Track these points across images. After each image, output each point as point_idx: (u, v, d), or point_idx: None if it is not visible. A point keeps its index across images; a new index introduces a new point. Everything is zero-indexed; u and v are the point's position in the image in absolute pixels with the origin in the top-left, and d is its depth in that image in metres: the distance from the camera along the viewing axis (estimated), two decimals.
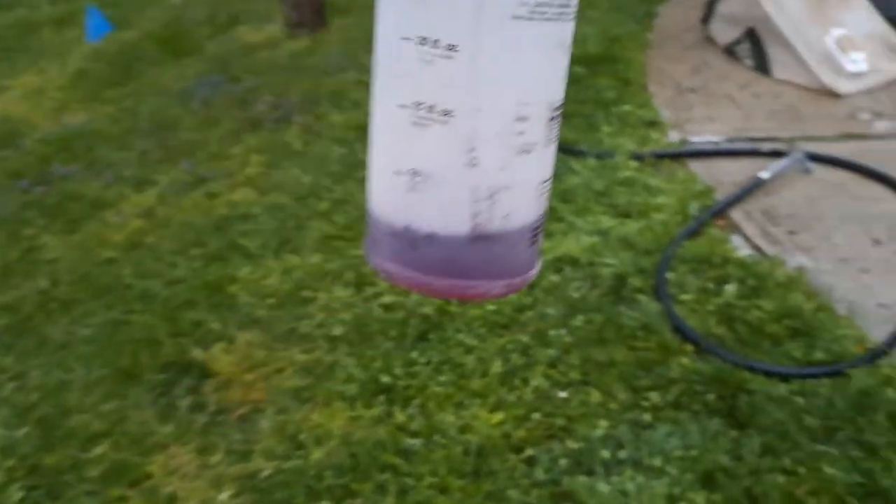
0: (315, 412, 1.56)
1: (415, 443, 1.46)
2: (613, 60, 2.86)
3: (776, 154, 2.22)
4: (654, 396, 1.51)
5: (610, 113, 2.54)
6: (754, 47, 2.78)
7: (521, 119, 0.38)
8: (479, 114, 0.37)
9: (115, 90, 3.45)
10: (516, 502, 1.34)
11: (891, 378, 1.47)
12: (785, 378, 1.51)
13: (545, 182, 0.42)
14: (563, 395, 1.55)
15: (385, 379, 1.60)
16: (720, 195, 2.08)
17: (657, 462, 1.36)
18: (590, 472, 1.37)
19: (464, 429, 1.48)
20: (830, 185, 2.13)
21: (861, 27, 2.72)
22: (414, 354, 1.66)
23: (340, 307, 1.82)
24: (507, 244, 0.41)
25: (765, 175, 2.11)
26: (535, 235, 0.42)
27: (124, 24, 4.19)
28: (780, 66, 2.70)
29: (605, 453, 1.40)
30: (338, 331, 1.76)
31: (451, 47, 0.36)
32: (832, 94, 2.56)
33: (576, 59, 2.82)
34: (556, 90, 0.40)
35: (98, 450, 1.54)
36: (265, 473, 1.45)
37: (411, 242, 0.40)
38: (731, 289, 1.73)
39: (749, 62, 2.80)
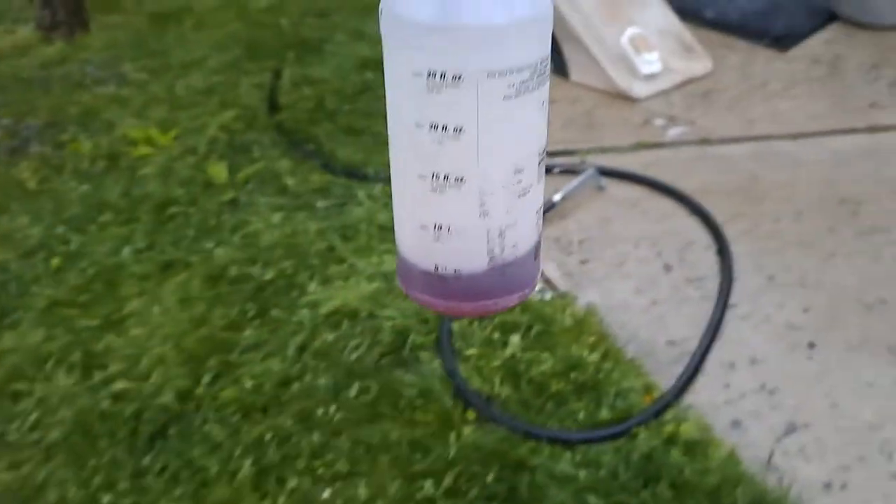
0: None
1: None
2: None
3: (570, 171, 2.09)
4: (429, 485, 1.31)
5: None
6: (551, 47, 2.65)
7: (519, 171, 0.46)
8: (486, 176, 0.45)
9: None
10: None
11: (674, 436, 1.36)
12: (569, 445, 1.37)
13: (539, 210, 0.50)
14: (325, 494, 1.32)
15: (106, 499, 1.30)
16: None
17: None
18: None
19: None
20: (623, 202, 2.03)
21: (654, 24, 2.66)
22: (146, 461, 1.36)
23: (60, 401, 1.49)
24: (517, 266, 0.49)
25: (557, 198, 1.97)
26: (537, 251, 0.51)
27: None
28: (577, 69, 2.59)
29: None
30: (55, 434, 1.43)
31: (458, 129, 0.43)
32: (628, 98, 2.48)
33: (364, 63, 2.53)
34: (542, 139, 0.48)
35: None
36: None
37: (440, 279, 0.48)
38: (516, 339, 1.57)
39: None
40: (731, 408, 1.44)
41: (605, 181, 2.07)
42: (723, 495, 1.27)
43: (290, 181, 2.12)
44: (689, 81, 2.55)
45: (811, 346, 1.57)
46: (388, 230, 1.90)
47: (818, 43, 2.73)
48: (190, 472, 1.35)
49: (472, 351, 1.57)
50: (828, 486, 1.30)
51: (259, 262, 1.83)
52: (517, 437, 1.39)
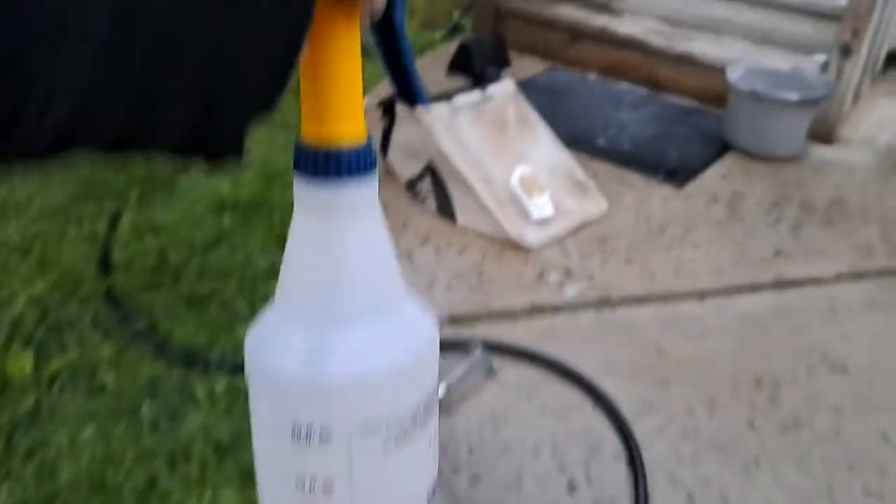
0: None
1: None
2: (270, 208, 2.30)
3: (457, 346, 1.79)
4: None
5: (258, 295, 1.97)
6: (436, 186, 2.39)
7: None
8: None
9: None
10: None
11: None
12: None
13: None
14: None
15: None
16: None
17: None
18: None
19: None
20: (519, 391, 1.73)
21: (544, 161, 2.45)
22: None
23: None
24: None
25: (441, 391, 1.65)
26: None
27: None
28: (464, 212, 2.33)
29: None
30: None
31: (329, 487, 0.37)
32: (520, 247, 2.22)
33: (223, 205, 2.15)
34: (432, 474, 0.42)
35: None
36: None
37: None
38: None
39: (432, 204, 2.40)
40: None
41: (496, 363, 1.78)
42: None
43: (110, 377, 1.71)
44: (585, 225, 2.34)
45: None
46: (227, 452, 1.52)
47: (714, 177, 2.60)
48: None
49: None
50: None
51: None
52: None
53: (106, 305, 1.94)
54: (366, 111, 0.36)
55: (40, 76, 0.21)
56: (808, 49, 3.00)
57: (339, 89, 0.33)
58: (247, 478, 1.47)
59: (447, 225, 2.33)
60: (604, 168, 2.62)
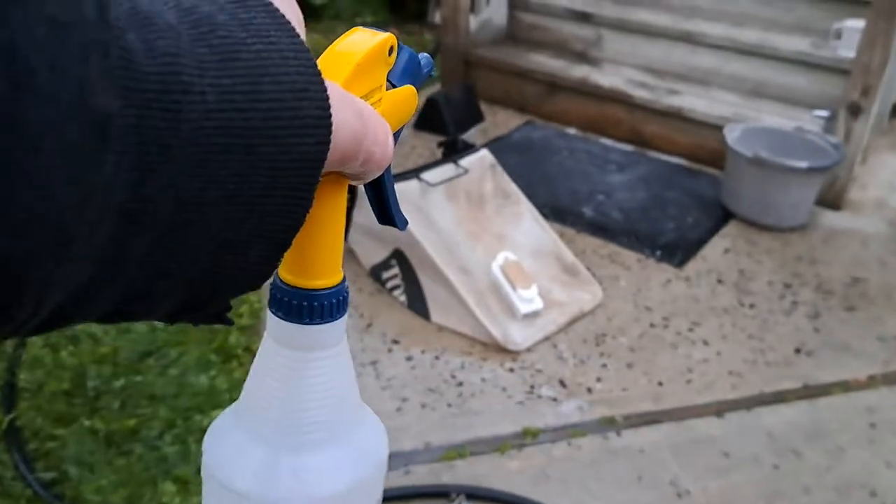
0: None
1: None
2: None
3: (439, 495, 1.47)
4: None
5: (193, 428, 1.62)
6: (406, 276, 2.07)
7: None
8: None
9: None
10: None
11: None
12: None
13: None
14: None
15: None
16: None
17: None
18: None
19: None
20: None
21: (528, 243, 2.16)
22: None
23: None
24: None
25: None
26: None
27: None
28: (438, 307, 2.01)
29: None
30: None
31: None
32: (504, 350, 1.91)
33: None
34: None
35: None
36: None
37: None
38: None
39: (402, 297, 2.08)
40: None
41: None
42: None
43: None
44: (578, 318, 2.04)
45: None
46: None
47: (717, 253, 2.32)
48: None
49: None
50: None
51: None
52: None
53: (8, 446, 1.58)
54: None
55: (41, 286, 0.21)
56: (802, 103, 2.76)
57: (321, 249, 0.34)
58: None
59: (419, 322, 2.01)
60: (593, 244, 2.34)
